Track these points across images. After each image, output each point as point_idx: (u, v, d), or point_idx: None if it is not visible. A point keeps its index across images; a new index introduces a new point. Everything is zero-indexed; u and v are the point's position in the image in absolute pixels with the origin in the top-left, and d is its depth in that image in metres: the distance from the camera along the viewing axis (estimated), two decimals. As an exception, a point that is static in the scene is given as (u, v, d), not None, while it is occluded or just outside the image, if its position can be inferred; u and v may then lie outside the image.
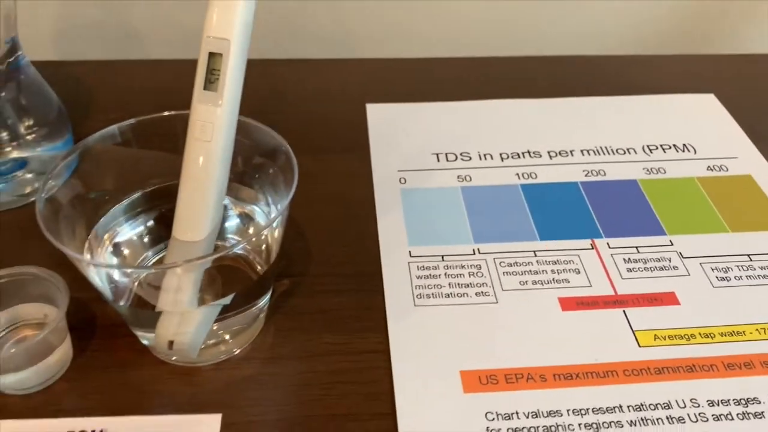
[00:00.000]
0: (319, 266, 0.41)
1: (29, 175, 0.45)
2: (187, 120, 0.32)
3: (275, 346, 0.36)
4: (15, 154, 0.45)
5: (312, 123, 0.52)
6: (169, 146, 0.33)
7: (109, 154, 0.34)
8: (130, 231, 0.36)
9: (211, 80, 0.32)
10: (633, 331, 0.37)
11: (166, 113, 0.34)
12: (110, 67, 0.58)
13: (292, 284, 0.39)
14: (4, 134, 0.43)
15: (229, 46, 0.32)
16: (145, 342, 0.36)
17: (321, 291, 0.39)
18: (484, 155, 0.49)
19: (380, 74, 0.58)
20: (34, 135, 0.44)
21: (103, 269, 0.33)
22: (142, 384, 0.35)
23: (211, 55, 0.32)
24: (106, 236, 0.35)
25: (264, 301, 0.36)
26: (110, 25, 0.63)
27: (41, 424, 0.33)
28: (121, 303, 0.34)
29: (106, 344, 0.36)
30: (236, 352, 0.36)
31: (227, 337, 0.36)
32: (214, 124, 0.32)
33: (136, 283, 0.34)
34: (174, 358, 0.35)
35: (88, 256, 0.34)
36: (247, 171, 0.36)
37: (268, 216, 0.37)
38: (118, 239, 0.36)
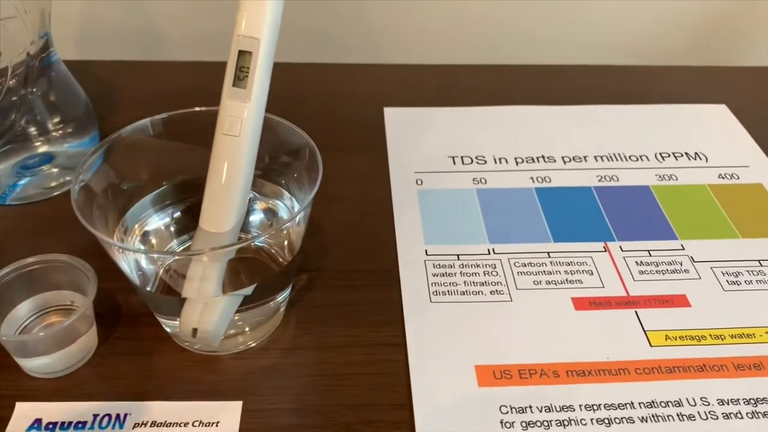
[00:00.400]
0: (337, 262, 0.42)
1: (55, 170, 0.47)
2: (216, 116, 0.33)
3: (294, 337, 0.37)
4: (43, 149, 0.46)
5: (331, 124, 0.53)
6: (198, 140, 0.34)
7: (141, 146, 0.36)
8: (158, 221, 0.37)
9: (240, 77, 0.34)
10: (644, 331, 0.38)
11: (197, 109, 0.36)
12: (132, 67, 0.60)
13: (311, 279, 0.40)
14: (34, 129, 0.44)
15: (259, 45, 0.33)
16: (168, 330, 0.37)
17: (338, 286, 0.40)
18: (499, 159, 0.50)
19: (397, 79, 0.59)
20: (62, 131, 0.46)
21: (132, 254, 0.35)
22: (164, 371, 0.36)
23: (241, 53, 0.33)
24: (135, 225, 0.36)
25: (284, 295, 0.37)
26: (130, 27, 0.65)
27: (68, 407, 0.34)
28: (147, 288, 0.35)
29: (130, 332, 0.37)
30: (256, 343, 0.37)
31: (247, 328, 0.37)
32: (242, 119, 0.33)
33: (161, 271, 0.35)
34: (196, 346, 0.36)
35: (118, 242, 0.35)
36: (272, 167, 0.37)
37: (291, 212, 0.38)
38: (146, 228, 0.37)
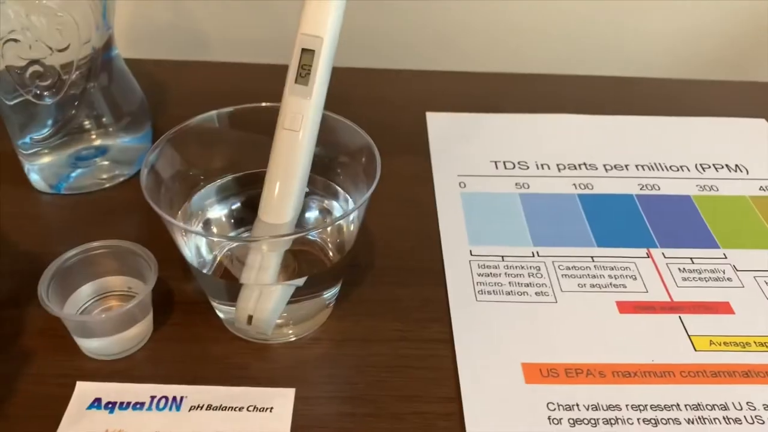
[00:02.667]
0: (384, 259, 0.43)
1: (106, 163, 0.48)
2: (278, 112, 0.34)
3: (343, 329, 0.38)
4: (98, 142, 0.47)
5: (374, 128, 0.53)
6: (260, 135, 0.35)
7: (207, 136, 0.37)
8: (219, 211, 0.39)
9: (302, 74, 0.35)
10: (689, 336, 0.38)
11: (263, 104, 0.37)
12: (177, 66, 0.61)
13: (359, 274, 0.41)
14: (91, 122, 0.46)
15: (321, 43, 0.34)
16: (221, 315, 0.37)
17: (386, 282, 0.41)
18: (542, 165, 0.50)
19: (440, 86, 0.60)
20: (117, 125, 0.47)
21: (193, 239, 0.36)
22: (218, 357, 0.37)
23: (304, 51, 0.34)
24: (198, 213, 0.37)
25: (333, 291, 0.38)
26: (176, 28, 0.67)
27: (126, 388, 0.35)
28: (204, 270, 0.36)
29: (184, 319, 0.38)
30: (306, 334, 0.38)
31: (298, 320, 0.37)
32: (303, 115, 0.34)
33: (219, 257, 0.36)
34: (250, 333, 0.37)
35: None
36: (330, 166, 0.38)
37: (346, 210, 0.39)
38: (207, 216, 0.38)
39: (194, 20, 0.67)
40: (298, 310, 0.37)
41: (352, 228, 0.37)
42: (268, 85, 0.58)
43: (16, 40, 0.40)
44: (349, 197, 0.38)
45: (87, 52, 0.42)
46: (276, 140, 0.35)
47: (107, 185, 0.48)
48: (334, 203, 0.39)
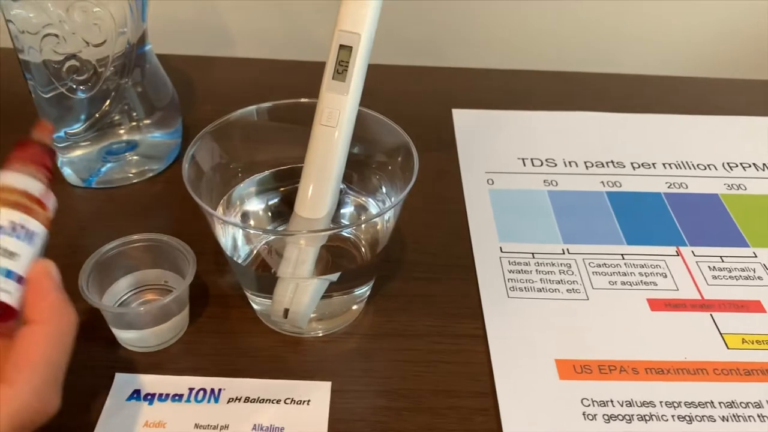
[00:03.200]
0: (415, 254, 0.43)
1: (135, 158, 0.48)
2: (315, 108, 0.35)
3: (377, 324, 0.38)
4: (128, 137, 0.48)
5: (401, 124, 0.54)
6: (298, 130, 0.35)
7: (247, 131, 0.37)
8: (257, 204, 0.39)
9: (339, 71, 0.35)
10: (721, 334, 0.38)
11: (302, 100, 0.37)
12: (202, 62, 0.61)
13: (390, 270, 0.41)
14: (124, 117, 0.46)
15: (359, 40, 0.34)
16: (256, 307, 0.38)
17: (417, 278, 0.41)
18: (569, 162, 0.50)
19: (465, 82, 0.60)
20: (149, 120, 0.47)
21: (231, 231, 0.36)
22: (253, 350, 0.37)
23: (342, 47, 0.35)
24: (237, 205, 0.38)
25: (366, 287, 0.38)
26: (197, 24, 0.67)
27: (164, 380, 0.35)
28: (241, 262, 0.36)
29: (219, 313, 0.39)
30: (339, 328, 0.38)
31: (332, 314, 0.38)
32: (340, 111, 0.35)
33: (255, 250, 0.37)
34: (285, 327, 0.37)
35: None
36: (367, 162, 0.38)
37: (381, 208, 0.39)
38: (246, 209, 0.38)
39: (216, 16, 0.67)
40: (331, 305, 0.37)
41: (387, 225, 0.37)
42: (293, 80, 0.58)
43: (54, 35, 0.40)
44: (385, 194, 0.38)
45: (122, 47, 0.43)
46: (313, 136, 0.35)
47: (136, 180, 0.49)
48: (370, 200, 0.39)
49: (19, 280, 0.22)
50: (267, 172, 0.39)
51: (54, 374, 0.25)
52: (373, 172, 0.39)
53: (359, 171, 0.38)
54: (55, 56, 0.41)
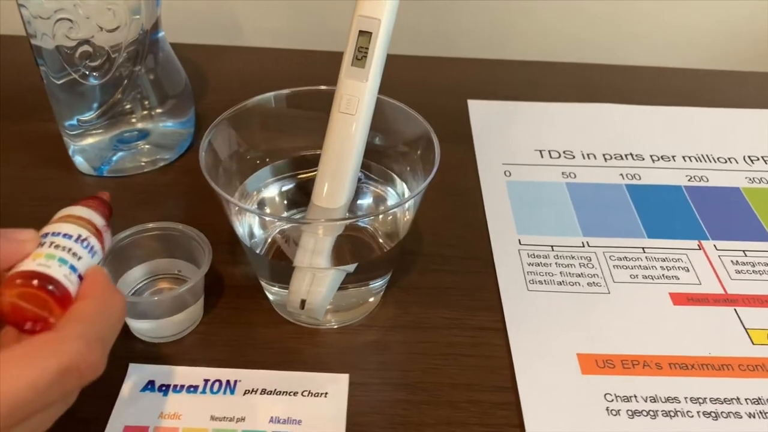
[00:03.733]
0: (432, 246, 0.42)
1: (147, 147, 0.48)
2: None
3: (393, 316, 0.38)
4: (140, 125, 0.47)
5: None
6: (316, 118, 0.35)
7: (264, 118, 0.36)
8: (273, 192, 0.38)
9: (359, 57, 0.34)
10: (746, 329, 0.37)
11: (322, 87, 0.36)
12: (215, 51, 0.61)
13: (407, 262, 0.41)
14: (136, 104, 0.45)
15: (379, 26, 0.34)
16: (271, 297, 0.37)
17: (434, 270, 0.41)
18: (587, 155, 0.50)
19: (480, 74, 0.59)
20: (161, 109, 0.47)
21: (247, 218, 0.36)
22: (268, 341, 0.36)
23: (361, 33, 0.34)
24: (253, 193, 0.37)
25: (384, 280, 0.38)
26: (204, 14, 0.66)
27: (178, 370, 0.34)
28: (257, 251, 0.36)
29: (234, 304, 0.38)
30: (355, 320, 0.37)
31: (348, 306, 0.37)
32: (359, 98, 0.34)
33: (270, 238, 0.36)
34: (301, 318, 0.37)
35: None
36: (386, 152, 0.37)
37: (401, 198, 0.38)
38: (262, 197, 0.38)
39: (226, 5, 0.66)
40: (347, 297, 0.37)
41: (407, 217, 0.36)
42: (304, 69, 0.58)
43: (68, 20, 0.39)
44: (405, 185, 0.38)
45: (136, 33, 0.42)
46: (331, 123, 0.34)
47: (147, 169, 0.48)
48: (389, 190, 0.38)
49: (80, 277, 0.26)
50: (284, 159, 0.38)
51: (104, 334, 0.25)
52: (392, 161, 0.38)
53: (377, 160, 0.38)
54: (68, 42, 0.40)
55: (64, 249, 0.26)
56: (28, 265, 0.25)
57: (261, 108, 0.36)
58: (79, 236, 0.27)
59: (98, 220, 0.28)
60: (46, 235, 0.26)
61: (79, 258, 0.26)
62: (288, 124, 0.37)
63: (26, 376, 0.22)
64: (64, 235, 0.26)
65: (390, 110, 0.37)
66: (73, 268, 0.26)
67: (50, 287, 0.25)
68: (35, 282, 0.25)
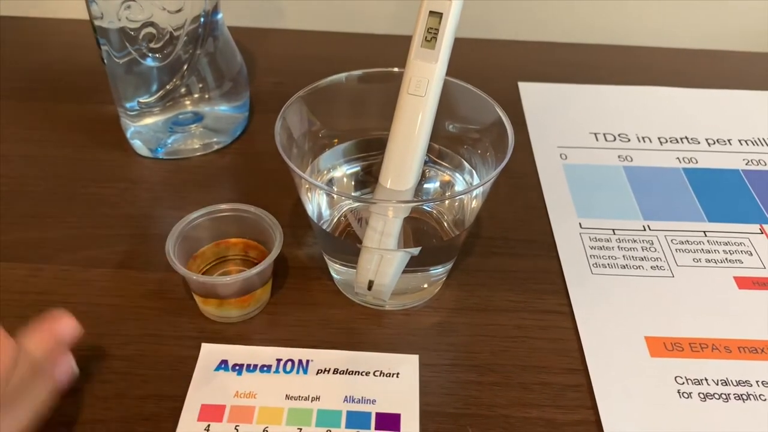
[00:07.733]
0: (492, 229, 0.42)
1: (201, 130, 0.48)
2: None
3: (458, 298, 0.38)
4: (195, 108, 0.47)
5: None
6: (386, 99, 0.34)
7: (335, 98, 0.36)
8: (342, 172, 0.38)
9: (428, 38, 0.34)
10: (813, 314, 0.37)
11: (395, 69, 0.36)
12: (260, 34, 0.61)
13: (468, 244, 0.41)
14: (194, 88, 0.46)
15: (450, 6, 0.33)
16: (336, 276, 0.37)
17: (496, 253, 0.41)
18: (643, 138, 0.49)
19: (530, 56, 0.59)
20: (217, 92, 0.47)
21: (317, 196, 0.36)
22: (336, 322, 0.36)
23: (432, 13, 0.34)
24: (324, 172, 0.37)
25: (446, 265, 0.38)
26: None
27: (251, 350, 0.35)
28: (324, 227, 0.36)
29: (300, 285, 0.38)
30: (421, 302, 0.38)
31: (415, 288, 0.37)
32: (429, 80, 0.34)
33: (336, 218, 0.37)
34: (367, 299, 0.37)
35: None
36: (456, 136, 0.37)
37: (469, 185, 0.38)
38: (331, 176, 0.38)
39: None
40: (413, 280, 0.37)
41: (474, 204, 0.36)
42: (347, 52, 0.58)
43: (132, 0, 0.39)
44: (473, 170, 0.37)
45: (197, 13, 0.42)
46: (399, 105, 0.34)
47: (201, 153, 0.48)
48: (457, 175, 0.38)
49: None
50: (353, 141, 0.38)
51: None
52: (461, 146, 0.38)
53: (448, 145, 0.37)
54: (133, 24, 0.41)
55: None
56: None
57: (333, 88, 0.36)
58: None
59: None
60: None
61: None
62: (358, 105, 0.37)
63: None
64: None
65: (460, 93, 0.36)
66: None
67: None
68: None
